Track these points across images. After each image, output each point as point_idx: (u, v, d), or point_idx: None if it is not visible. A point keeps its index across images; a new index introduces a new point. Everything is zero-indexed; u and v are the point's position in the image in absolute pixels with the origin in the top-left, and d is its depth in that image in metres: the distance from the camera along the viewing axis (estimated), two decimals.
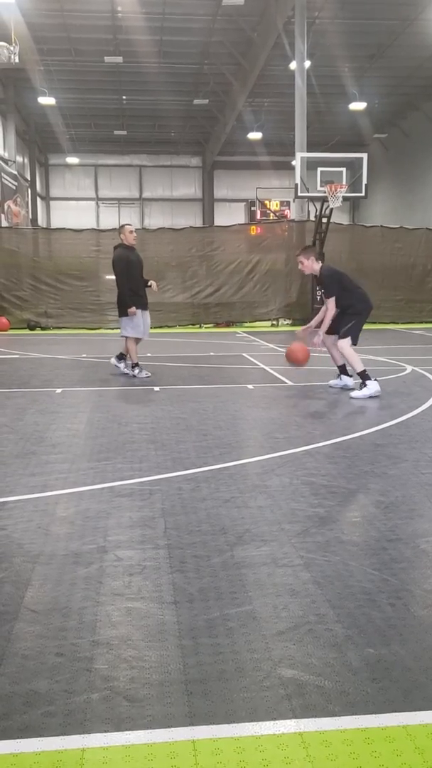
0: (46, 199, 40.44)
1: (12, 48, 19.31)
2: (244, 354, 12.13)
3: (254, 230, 20.97)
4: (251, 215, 31.29)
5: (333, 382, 8.09)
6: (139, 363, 9.16)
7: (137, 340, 9.23)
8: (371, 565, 3.04)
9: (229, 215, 35.42)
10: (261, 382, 8.79)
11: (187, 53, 25.25)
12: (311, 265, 7.74)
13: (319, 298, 18.88)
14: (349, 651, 2.34)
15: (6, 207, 26.67)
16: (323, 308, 7.65)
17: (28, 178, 34.81)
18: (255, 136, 32.03)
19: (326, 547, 3.23)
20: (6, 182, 27.08)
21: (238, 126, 31.06)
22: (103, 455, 5.02)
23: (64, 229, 20.79)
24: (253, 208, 31.35)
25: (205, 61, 26.03)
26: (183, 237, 20.14)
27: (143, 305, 9.11)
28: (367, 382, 7.34)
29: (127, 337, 9.15)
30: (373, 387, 7.32)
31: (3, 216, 26.35)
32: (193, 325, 20.01)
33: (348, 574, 2.94)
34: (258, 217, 29.43)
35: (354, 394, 7.43)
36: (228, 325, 19.98)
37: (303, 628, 2.49)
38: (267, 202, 31.27)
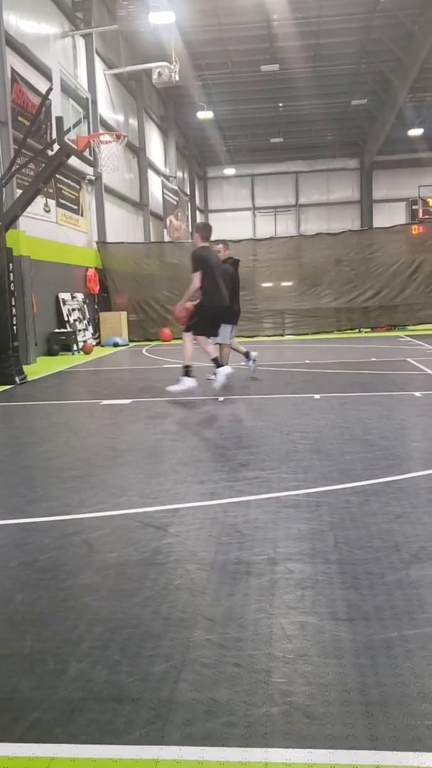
0: (205, 211, 41.62)
1: (172, 67, 20.11)
2: (408, 359, 11.74)
3: (416, 230, 20.28)
4: (413, 214, 30.26)
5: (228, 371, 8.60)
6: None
7: (225, 346, 9.59)
8: None
9: (389, 216, 34.53)
10: (429, 389, 8.46)
11: (344, 54, 24.99)
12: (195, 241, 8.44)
13: None
14: None
15: (168, 222, 27.77)
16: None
17: (188, 192, 36.02)
18: (416, 132, 31.02)
19: None
20: (168, 198, 28.19)
21: (398, 123, 30.20)
22: (267, 464, 5.06)
23: (222, 240, 21.28)
24: (414, 207, 30.30)
25: (363, 60, 25.61)
26: (340, 241, 19.92)
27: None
28: (184, 378, 8.20)
29: (221, 344, 9.44)
30: (187, 383, 8.20)
31: (165, 231, 27.46)
32: (352, 329, 19.70)
33: None
34: (420, 215, 28.41)
35: (170, 387, 8.32)
36: (389, 328, 19.46)
37: None
38: (430, 200, 30.12)
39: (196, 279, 8.33)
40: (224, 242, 10.10)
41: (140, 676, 2.31)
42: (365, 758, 1.86)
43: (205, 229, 8.79)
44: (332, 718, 2.04)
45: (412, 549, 3.32)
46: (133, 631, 2.62)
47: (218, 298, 8.55)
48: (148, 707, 2.13)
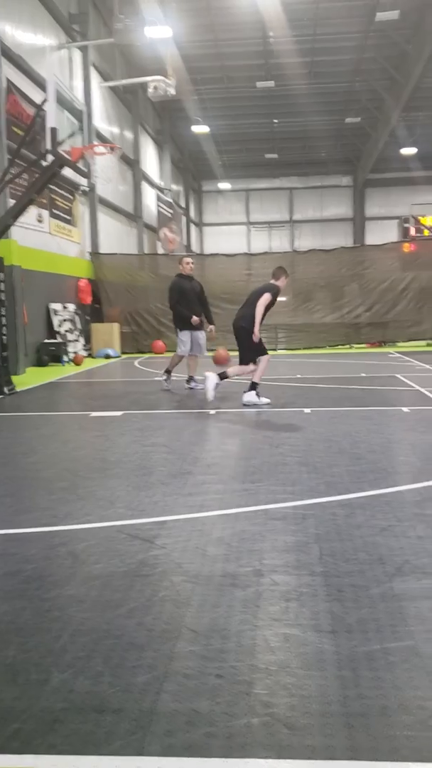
0: (200, 225, 41.81)
1: (168, 81, 20.26)
2: (397, 375, 11.80)
3: (408, 247, 20.45)
4: (404, 232, 30.53)
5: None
6: (170, 372, 10.45)
7: (181, 358, 10.38)
8: None
9: (381, 233, 34.78)
10: (417, 405, 8.51)
11: (338, 72, 25.25)
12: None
13: None
14: None
15: (162, 234, 27.88)
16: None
17: (183, 205, 36.19)
18: (409, 151, 31.32)
19: None
20: (162, 210, 28.32)
21: (391, 142, 30.50)
22: (256, 477, 5.07)
23: (217, 254, 21.36)
24: (406, 225, 30.61)
25: (357, 78, 25.89)
26: (333, 257, 20.06)
27: (195, 327, 10.12)
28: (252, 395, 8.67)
29: (189, 355, 10.33)
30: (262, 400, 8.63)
31: (159, 243, 27.56)
32: (343, 345, 19.78)
33: None
34: (412, 234, 28.65)
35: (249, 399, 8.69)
36: (380, 344, 19.56)
37: None
38: (422, 218, 30.39)
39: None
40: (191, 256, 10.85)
41: (122, 687, 2.31)
42: None
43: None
44: (313, 729, 2.05)
45: (396, 562, 3.33)
46: (116, 642, 2.62)
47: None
48: (130, 718, 2.13)
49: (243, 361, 8.77)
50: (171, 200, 30.45)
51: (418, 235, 27.59)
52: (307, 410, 8.16)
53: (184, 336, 10.15)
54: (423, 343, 19.40)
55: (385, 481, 4.86)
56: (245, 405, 8.59)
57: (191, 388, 10.33)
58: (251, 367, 8.72)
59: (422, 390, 9.74)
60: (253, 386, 8.69)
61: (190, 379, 10.45)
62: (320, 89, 26.46)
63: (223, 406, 8.69)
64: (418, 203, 34.49)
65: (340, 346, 19.68)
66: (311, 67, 24.31)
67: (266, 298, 8.49)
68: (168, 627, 2.74)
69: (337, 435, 6.61)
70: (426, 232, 28.68)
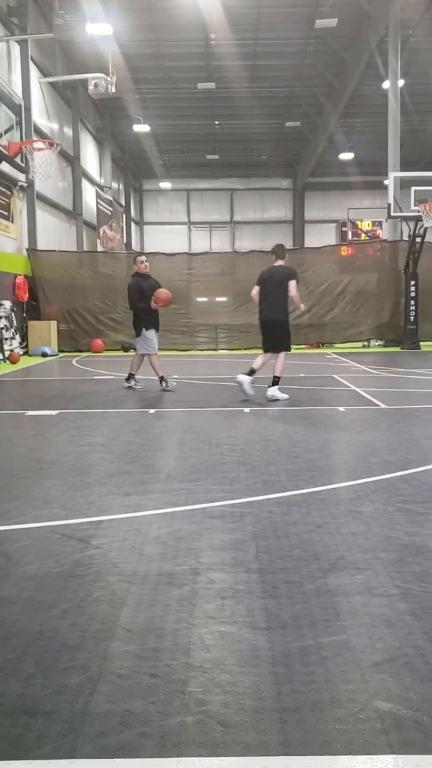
0: (140, 223, 41.59)
1: (109, 79, 20.07)
2: (334, 375, 12.00)
3: (345, 251, 20.82)
4: (342, 236, 31.08)
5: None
6: (135, 376, 10.25)
7: (143, 357, 10.10)
8: None
9: (320, 236, 35.31)
10: (352, 405, 8.67)
11: (279, 77, 25.52)
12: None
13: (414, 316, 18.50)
14: None
15: (102, 232, 27.61)
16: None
17: (123, 204, 35.93)
18: (347, 156, 31.91)
19: (423, 578, 3.14)
20: (102, 208, 28.04)
21: (330, 147, 31.02)
22: (194, 476, 5.07)
23: (157, 253, 21.28)
24: (344, 229, 31.18)
25: (297, 83, 26.22)
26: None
27: (156, 326, 10.04)
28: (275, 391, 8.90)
29: (144, 354, 10.02)
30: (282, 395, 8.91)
31: (99, 241, 27.28)
32: None
33: None
34: (349, 237, 29.20)
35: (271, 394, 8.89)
36: (318, 346, 19.84)
37: (400, 660, 2.42)
38: (359, 222, 31.01)
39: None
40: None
41: (54, 689, 2.27)
42: (276, 764, 1.88)
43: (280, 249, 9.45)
44: (246, 725, 2.05)
45: (330, 558, 3.38)
46: (49, 644, 2.58)
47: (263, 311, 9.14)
48: (62, 720, 2.10)
49: (278, 350, 9.10)
50: (111, 198, 30.18)
51: (355, 239, 28.12)
52: (246, 410, 8.21)
53: (151, 335, 9.91)
54: (359, 344, 19.78)
55: (321, 479, 4.93)
56: (269, 400, 8.85)
57: (130, 387, 10.24)
58: (269, 355, 9.14)
59: (358, 390, 9.93)
60: (276, 381, 9.00)
61: (130, 377, 10.32)
62: (261, 93, 26.69)
63: (161, 407, 8.66)
64: (355, 207, 35.16)
65: None
66: (252, 70, 24.50)
67: (294, 284, 8.88)
68: (102, 627, 2.70)
69: (275, 434, 6.67)
70: (363, 236, 29.25)
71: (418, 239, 18.10)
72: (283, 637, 2.59)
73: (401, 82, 20.59)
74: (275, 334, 9.09)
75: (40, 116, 20.61)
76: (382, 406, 8.45)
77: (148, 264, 10.32)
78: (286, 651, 2.49)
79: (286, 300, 8.91)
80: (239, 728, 2.04)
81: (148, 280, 10.13)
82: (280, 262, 9.21)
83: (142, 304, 9.81)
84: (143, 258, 10.42)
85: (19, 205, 19.05)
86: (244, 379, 8.97)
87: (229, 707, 2.15)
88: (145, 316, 9.91)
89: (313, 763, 1.88)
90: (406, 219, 18.69)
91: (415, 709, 2.12)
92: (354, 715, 2.10)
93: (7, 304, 17.63)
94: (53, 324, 18.84)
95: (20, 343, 17.99)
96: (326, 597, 2.94)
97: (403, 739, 1.98)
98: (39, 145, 13.34)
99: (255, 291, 9.18)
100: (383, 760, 1.89)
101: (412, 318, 18.63)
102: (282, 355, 9.09)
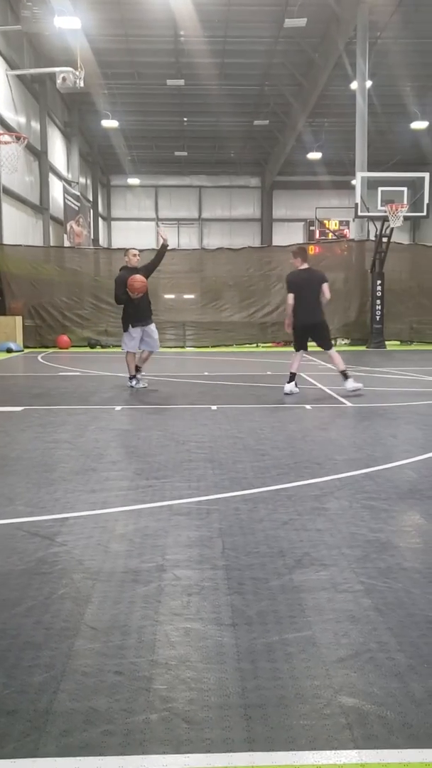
0: (108, 219, 41.34)
1: (77, 73, 19.89)
2: (301, 374, 12.04)
3: (313, 250, 20.93)
4: (310, 235, 31.26)
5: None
6: (136, 375, 9.90)
7: (134, 355, 9.90)
8: None
9: (288, 235, 35.51)
10: (319, 403, 8.72)
11: (248, 75, 25.57)
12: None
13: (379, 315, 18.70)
14: (412, 681, 2.28)
15: (69, 227, 27.36)
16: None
17: (91, 199, 35.65)
18: (315, 156, 32.13)
19: (387, 574, 3.17)
20: (69, 203, 27.79)
21: (298, 146, 31.19)
22: (161, 473, 5.05)
23: (125, 249, 21.17)
24: (312, 228, 31.36)
25: (266, 82, 26.30)
26: (241, 257, 20.25)
27: (144, 321, 9.80)
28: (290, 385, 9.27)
29: (127, 352, 9.83)
30: (293, 388, 9.26)
31: (66, 236, 27.03)
32: (250, 344, 20.04)
33: (410, 602, 2.87)
34: (317, 236, 29.38)
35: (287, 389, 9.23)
36: (286, 344, 19.93)
37: (364, 655, 2.44)
38: (326, 221, 31.23)
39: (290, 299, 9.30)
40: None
41: (17, 688, 2.24)
42: (240, 760, 1.88)
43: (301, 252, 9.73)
44: (211, 722, 2.05)
45: (296, 554, 3.40)
46: (12, 642, 2.54)
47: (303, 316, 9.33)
48: (24, 719, 2.07)
49: (329, 347, 9.55)
50: (79, 193, 29.93)
51: (323, 237, 28.32)
52: (213, 407, 8.21)
53: (135, 333, 9.72)
54: None
55: (288, 477, 4.95)
56: (350, 393, 9.16)
57: (132, 386, 9.82)
58: (301, 354, 9.61)
59: (324, 388, 10.00)
60: (345, 374, 9.31)
61: (135, 374, 9.88)
62: (230, 90, 26.72)
63: (128, 404, 8.62)
64: (323, 207, 35.43)
65: (247, 345, 19.93)
66: (222, 68, 24.50)
67: (327, 285, 9.28)
68: (67, 625, 2.67)
69: (242, 431, 6.68)
70: (330, 236, 29.46)
71: (385, 239, 18.30)
72: (248, 634, 2.59)
73: (369, 84, 20.80)
74: (322, 335, 9.50)
75: (6, 109, 20.34)
76: (348, 404, 8.52)
77: (139, 258, 10.07)
78: (251, 647, 2.49)
79: (320, 301, 9.20)
80: (204, 725, 2.04)
81: (133, 273, 9.79)
82: (305, 265, 9.43)
83: (126, 297, 9.58)
84: (136, 251, 10.12)
85: None
86: (290, 387, 9.30)
87: (194, 704, 2.14)
88: (132, 311, 9.69)
89: (278, 759, 1.88)
90: (373, 219, 18.88)
91: (378, 704, 2.14)
92: (319, 711, 2.11)
93: None
94: (18, 319, 18.61)
95: None
96: (292, 593, 2.95)
97: (367, 733, 2.00)
98: (5, 138, 13.15)
99: (291, 299, 9.27)
100: (347, 755, 1.90)
101: (378, 317, 18.83)
102: (334, 350, 9.54)
